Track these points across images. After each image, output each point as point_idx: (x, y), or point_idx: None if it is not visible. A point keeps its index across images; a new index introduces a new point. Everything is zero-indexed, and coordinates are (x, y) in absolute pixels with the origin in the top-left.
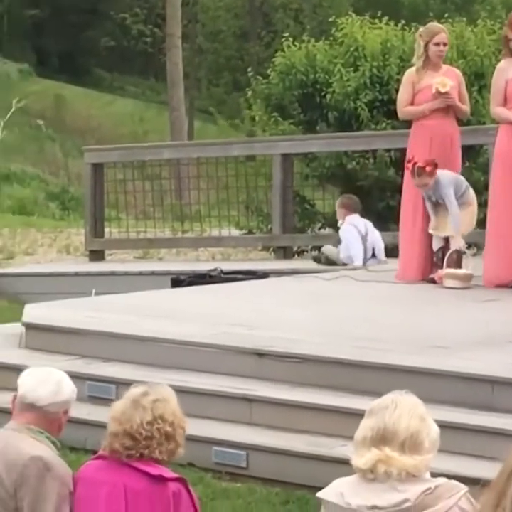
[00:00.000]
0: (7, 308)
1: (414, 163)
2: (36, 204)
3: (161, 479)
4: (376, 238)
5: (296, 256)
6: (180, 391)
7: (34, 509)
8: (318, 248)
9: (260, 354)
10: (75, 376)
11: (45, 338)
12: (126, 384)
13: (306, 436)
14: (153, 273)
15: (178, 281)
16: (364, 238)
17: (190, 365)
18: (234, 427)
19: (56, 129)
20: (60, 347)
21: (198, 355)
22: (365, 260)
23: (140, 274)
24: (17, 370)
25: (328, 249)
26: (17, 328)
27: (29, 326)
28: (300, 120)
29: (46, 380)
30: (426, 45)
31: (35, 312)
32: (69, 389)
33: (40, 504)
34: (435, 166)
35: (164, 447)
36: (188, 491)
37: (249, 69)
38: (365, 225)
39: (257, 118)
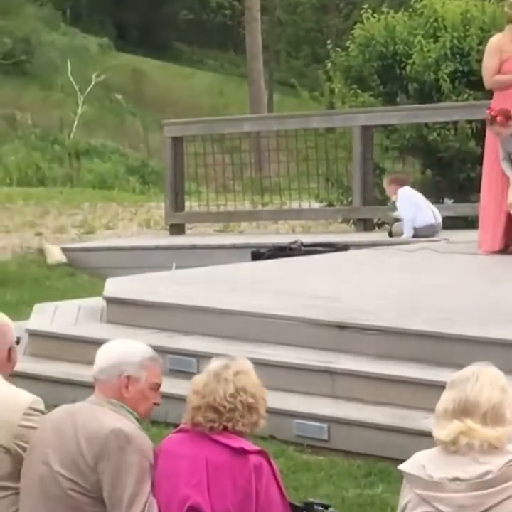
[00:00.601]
0: (88, 282)
1: (490, 112)
2: (116, 178)
3: (243, 452)
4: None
5: (376, 228)
6: (261, 364)
7: (115, 482)
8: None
9: (341, 326)
10: (156, 349)
11: (125, 312)
12: (207, 357)
13: (388, 409)
14: (233, 246)
15: (259, 254)
16: (423, 201)
17: (271, 338)
18: (315, 400)
19: (136, 103)
20: (140, 321)
21: (278, 328)
22: (435, 223)
23: (220, 247)
24: (98, 344)
25: (396, 228)
26: (98, 302)
27: (110, 300)
28: (379, 92)
29: (102, 351)
30: None
31: (115, 286)
32: (115, 353)
33: (121, 477)
34: (507, 117)
35: (247, 419)
36: (270, 464)
37: (328, 41)
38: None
39: (336, 90)
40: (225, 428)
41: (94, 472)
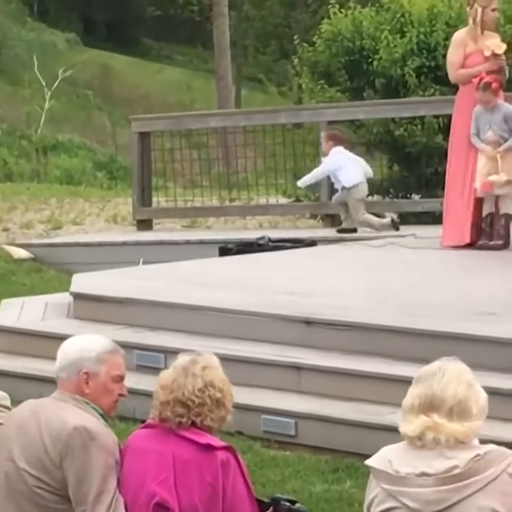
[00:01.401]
0: (55, 277)
1: (481, 78)
2: (84, 174)
3: (210, 448)
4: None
5: (343, 223)
6: (228, 359)
7: (80, 479)
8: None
9: (309, 322)
10: (123, 345)
11: (93, 307)
12: (175, 353)
13: (355, 404)
14: (201, 242)
15: (226, 249)
16: (354, 163)
17: (239, 333)
18: (283, 395)
19: (103, 99)
20: (108, 316)
21: (246, 324)
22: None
23: (188, 242)
24: (64, 339)
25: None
26: (65, 297)
27: (77, 296)
28: (347, 87)
29: (63, 349)
30: (482, 11)
31: (83, 282)
32: (73, 350)
33: (86, 474)
34: (501, 84)
35: (215, 414)
36: (237, 460)
37: (295, 36)
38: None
39: (303, 85)
40: (193, 423)
41: (59, 469)
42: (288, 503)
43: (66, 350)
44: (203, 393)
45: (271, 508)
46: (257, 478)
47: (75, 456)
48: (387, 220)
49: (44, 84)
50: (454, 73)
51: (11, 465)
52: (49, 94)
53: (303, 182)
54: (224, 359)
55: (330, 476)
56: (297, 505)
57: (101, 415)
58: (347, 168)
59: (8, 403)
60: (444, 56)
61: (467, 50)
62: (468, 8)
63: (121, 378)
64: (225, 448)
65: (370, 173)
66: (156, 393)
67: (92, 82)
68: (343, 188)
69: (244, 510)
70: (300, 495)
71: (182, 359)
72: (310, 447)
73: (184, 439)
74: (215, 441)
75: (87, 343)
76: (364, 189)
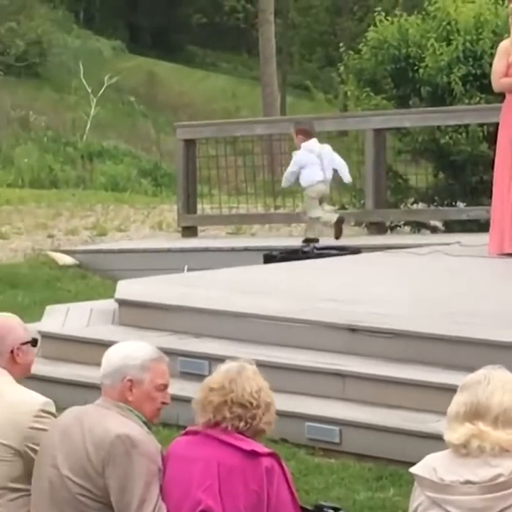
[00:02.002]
0: (100, 284)
1: None
2: (129, 180)
3: (254, 454)
4: (335, 159)
5: (389, 231)
6: (272, 367)
7: (122, 487)
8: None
9: (353, 329)
10: (167, 352)
11: (137, 314)
12: (219, 360)
13: (399, 412)
14: (245, 249)
15: (271, 256)
16: (321, 161)
17: (283, 340)
18: (327, 403)
19: (148, 106)
20: (152, 323)
21: (290, 331)
22: (325, 180)
23: (232, 250)
24: (109, 346)
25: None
26: (110, 304)
27: (122, 303)
28: (392, 95)
29: (108, 356)
30: None
31: (128, 288)
32: (117, 358)
33: (129, 482)
34: None
35: (266, 418)
36: (281, 466)
37: (341, 44)
38: (321, 148)
39: (349, 93)
40: (247, 424)
41: (102, 477)
42: (331, 511)
43: (110, 357)
44: (259, 396)
45: None
46: (301, 485)
47: (118, 463)
48: (329, 219)
49: (90, 91)
50: (496, 82)
51: (55, 472)
52: (94, 101)
53: (283, 182)
54: (268, 366)
55: (374, 484)
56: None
57: (144, 423)
58: (308, 167)
59: (52, 409)
60: (490, 64)
61: (510, 59)
62: (510, 19)
63: (165, 387)
64: (269, 454)
65: (344, 166)
66: (206, 397)
67: (137, 89)
68: (300, 185)
69: None
70: (344, 502)
71: (231, 364)
72: (354, 455)
73: (228, 445)
74: (260, 447)
75: (132, 350)
76: (321, 189)
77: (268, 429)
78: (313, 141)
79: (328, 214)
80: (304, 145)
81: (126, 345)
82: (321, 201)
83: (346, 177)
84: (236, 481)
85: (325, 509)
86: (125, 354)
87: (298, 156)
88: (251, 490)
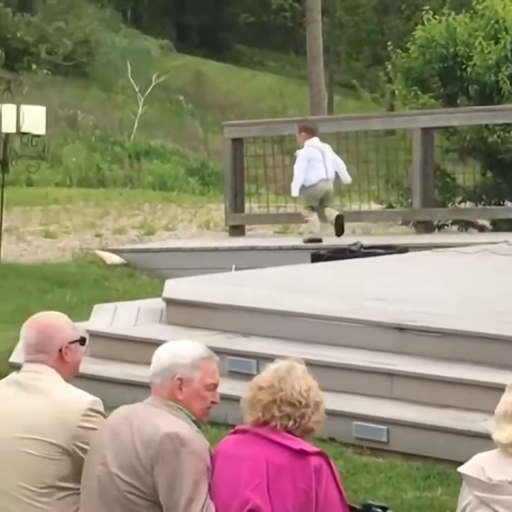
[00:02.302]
0: (148, 283)
1: None
2: (176, 179)
3: (303, 453)
4: (335, 160)
5: (436, 230)
6: (320, 366)
7: (171, 486)
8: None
9: (401, 328)
10: (215, 351)
11: (185, 313)
12: (267, 359)
13: (448, 411)
14: (293, 248)
15: (319, 255)
16: (324, 158)
17: (331, 339)
18: (375, 402)
19: (196, 105)
20: (200, 322)
21: (338, 330)
22: (327, 178)
23: (280, 249)
24: (158, 345)
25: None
26: (158, 303)
27: (170, 301)
28: (440, 94)
29: (158, 354)
30: None
31: (175, 287)
32: (166, 357)
33: (177, 480)
34: None
35: (315, 417)
36: (329, 465)
37: (389, 43)
38: (324, 147)
39: (396, 92)
40: (296, 423)
41: (151, 475)
42: (380, 510)
43: (160, 356)
44: (308, 395)
45: None
46: (349, 484)
47: (166, 462)
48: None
49: (137, 90)
50: None
51: (104, 470)
52: (142, 100)
53: (294, 191)
54: (316, 365)
55: (422, 483)
56: (388, 511)
57: (194, 421)
58: (311, 165)
59: (101, 408)
60: None
61: None
62: None
63: (215, 386)
64: (318, 453)
65: (342, 165)
66: (255, 396)
67: (184, 88)
68: (303, 186)
69: None
70: (392, 502)
71: (281, 363)
72: (402, 454)
73: (277, 444)
74: (308, 446)
75: (182, 349)
76: (322, 187)
77: (317, 428)
78: (316, 139)
79: (327, 213)
80: (307, 142)
81: (176, 344)
82: (322, 201)
83: (345, 177)
84: (284, 480)
85: (373, 508)
86: (175, 353)
87: (303, 152)
88: (299, 489)
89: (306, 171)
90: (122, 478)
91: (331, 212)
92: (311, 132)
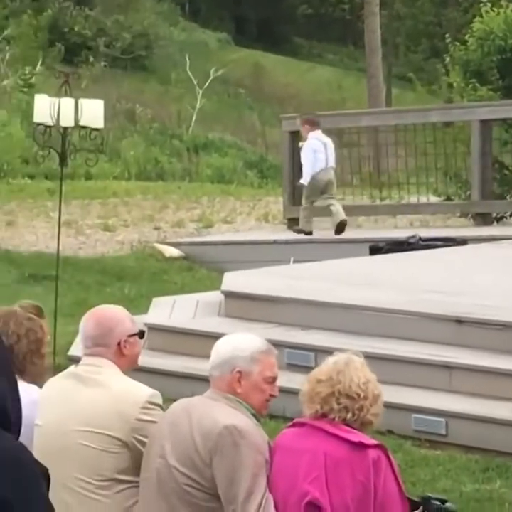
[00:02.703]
0: (206, 276)
1: None
2: (235, 172)
3: (362, 446)
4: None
5: (495, 222)
6: (379, 358)
7: (230, 478)
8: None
9: (460, 321)
10: (273, 344)
11: (243, 306)
12: (325, 352)
13: (507, 404)
14: (351, 241)
15: (377, 248)
16: (325, 149)
17: (389, 332)
18: (433, 395)
19: (254, 98)
20: (258, 315)
21: (396, 322)
22: (327, 168)
23: (338, 241)
24: (216, 338)
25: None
26: (216, 296)
27: (228, 294)
28: (498, 86)
29: (217, 347)
30: None
31: (234, 280)
32: (225, 350)
33: (236, 473)
34: None
35: (374, 409)
36: (388, 458)
37: (447, 35)
38: (326, 139)
39: (454, 84)
40: (354, 416)
41: (209, 468)
42: (438, 502)
43: (220, 349)
44: (367, 387)
45: (421, 507)
46: (407, 477)
47: (225, 454)
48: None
49: (195, 83)
50: None
51: (163, 462)
52: (200, 93)
53: (305, 180)
54: (374, 358)
55: (480, 476)
56: (447, 504)
57: (253, 414)
58: (315, 156)
59: (159, 401)
60: None
61: None
62: None
63: (274, 379)
64: (376, 446)
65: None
66: (314, 389)
67: (243, 80)
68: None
69: (395, 508)
70: (450, 494)
71: (339, 356)
72: (461, 446)
73: (335, 437)
74: (367, 439)
75: (241, 342)
76: (323, 177)
77: (375, 421)
78: (319, 131)
79: (334, 210)
80: (310, 135)
81: (236, 337)
82: (324, 190)
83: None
84: (343, 472)
85: (432, 501)
86: (235, 346)
87: (308, 143)
88: (358, 481)
89: (313, 161)
90: (180, 470)
91: (339, 213)
92: (313, 124)
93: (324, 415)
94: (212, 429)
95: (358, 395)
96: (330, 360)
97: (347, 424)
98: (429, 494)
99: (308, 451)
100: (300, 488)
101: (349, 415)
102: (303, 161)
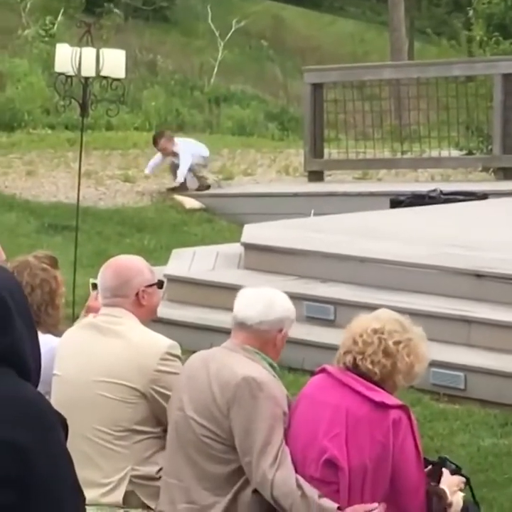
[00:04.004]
0: (226, 228)
1: None
2: (256, 124)
3: (383, 406)
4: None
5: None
6: (398, 311)
7: (246, 429)
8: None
9: (479, 275)
10: (292, 296)
11: (263, 258)
12: (344, 305)
13: None
14: (372, 194)
15: (398, 202)
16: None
17: (408, 285)
18: (452, 348)
19: (275, 50)
20: (278, 267)
21: (415, 276)
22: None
23: (359, 194)
24: (235, 289)
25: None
26: (236, 248)
27: (248, 246)
28: None
29: (257, 299)
30: None
31: (254, 232)
32: (281, 308)
33: (253, 424)
34: None
35: (379, 361)
36: (409, 419)
37: None
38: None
39: (478, 38)
40: (355, 361)
41: (227, 419)
42: (454, 466)
43: (271, 305)
44: (375, 334)
45: (437, 467)
46: (425, 431)
47: (242, 405)
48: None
49: (217, 34)
50: None
51: (181, 414)
52: (222, 45)
53: (180, 177)
54: (393, 311)
55: (499, 430)
56: (462, 472)
57: (270, 365)
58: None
59: (178, 352)
60: None
61: None
62: None
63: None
64: (399, 407)
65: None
66: (352, 339)
67: (264, 33)
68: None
69: (411, 470)
70: (468, 448)
71: (380, 311)
72: (479, 401)
73: (359, 395)
74: (390, 398)
75: (290, 304)
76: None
77: (380, 375)
78: (175, 139)
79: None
80: (174, 141)
81: (285, 298)
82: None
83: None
84: (362, 432)
85: (448, 463)
86: (287, 307)
87: (182, 148)
88: (376, 441)
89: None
90: (198, 421)
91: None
92: (170, 138)
93: (354, 368)
94: (231, 380)
95: (361, 336)
96: (371, 314)
97: (374, 382)
98: (447, 456)
99: (331, 406)
100: (320, 444)
101: (348, 357)
102: (181, 164)
